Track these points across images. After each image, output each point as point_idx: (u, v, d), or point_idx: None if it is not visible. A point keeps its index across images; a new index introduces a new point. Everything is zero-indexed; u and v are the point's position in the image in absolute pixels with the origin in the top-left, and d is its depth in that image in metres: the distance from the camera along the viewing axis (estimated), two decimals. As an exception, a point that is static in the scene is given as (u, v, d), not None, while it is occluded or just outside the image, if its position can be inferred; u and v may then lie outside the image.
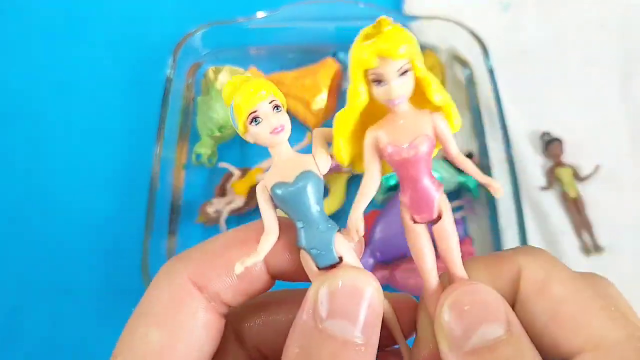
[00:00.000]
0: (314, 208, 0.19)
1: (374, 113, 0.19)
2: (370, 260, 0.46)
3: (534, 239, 0.51)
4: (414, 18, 0.57)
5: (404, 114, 0.19)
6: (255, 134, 0.19)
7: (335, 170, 0.52)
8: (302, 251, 0.20)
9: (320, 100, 0.55)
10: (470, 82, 0.58)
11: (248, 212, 0.51)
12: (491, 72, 0.52)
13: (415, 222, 0.20)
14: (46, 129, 0.58)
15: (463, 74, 0.58)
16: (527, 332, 0.18)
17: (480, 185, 0.51)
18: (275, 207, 0.20)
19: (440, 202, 0.20)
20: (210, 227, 0.51)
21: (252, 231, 0.20)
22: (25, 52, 0.63)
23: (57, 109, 0.59)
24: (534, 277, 0.19)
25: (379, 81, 0.18)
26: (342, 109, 0.19)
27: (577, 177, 0.54)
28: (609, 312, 0.17)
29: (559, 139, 0.54)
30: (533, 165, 0.55)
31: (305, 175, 0.19)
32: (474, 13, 0.64)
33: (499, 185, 0.19)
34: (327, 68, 0.56)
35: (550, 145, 0.54)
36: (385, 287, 0.47)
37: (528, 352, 0.17)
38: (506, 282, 0.19)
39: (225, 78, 0.54)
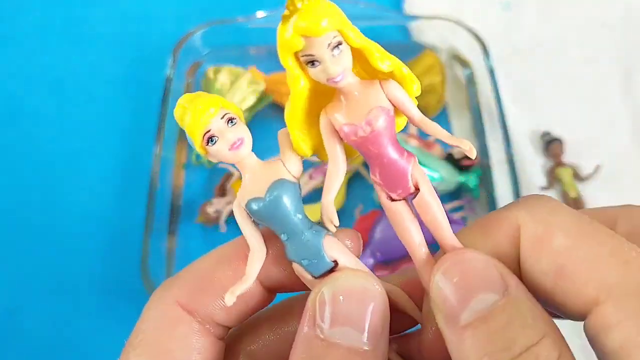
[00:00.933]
0: (295, 217, 0.18)
1: (325, 92, 0.18)
2: (371, 261, 0.46)
3: None
4: (414, 18, 0.57)
5: (352, 89, 0.17)
6: (215, 153, 0.18)
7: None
8: (294, 264, 0.19)
9: (321, 100, 0.54)
10: (471, 81, 0.58)
11: (248, 212, 0.51)
12: (491, 71, 0.52)
13: (392, 200, 0.18)
14: (46, 129, 0.58)
15: (463, 74, 0.58)
16: (536, 293, 0.16)
17: (481, 185, 0.51)
18: (257, 223, 0.19)
19: (414, 174, 0.18)
20: (210, 227, 0.51)
21: (239, 246, 0.19)
22: (24, 52, 0.63)
23: (56, 108, 0.59)
24: (533, 233, 0.17)
25: (312, 62, 0.17)
26: (288, 101, 0.18)
27: (578, 177, 0.54)
28: (621, 254, 0.15)
29: (559, 139, 0.54)
30: (533, 165, 0.55)
31: (277, 184, 0.18)
32: (474, 12, 0.64)
33: (470, 146, 0.17)
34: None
35: (550, 145, 0.54)
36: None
37: (527, 314, 0.16)
38: (507, 244, 0.18)
39: (224, 78, 0.54)
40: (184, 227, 0.51)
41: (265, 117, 0.58)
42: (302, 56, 0.17)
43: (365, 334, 0.17)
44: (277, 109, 0.58)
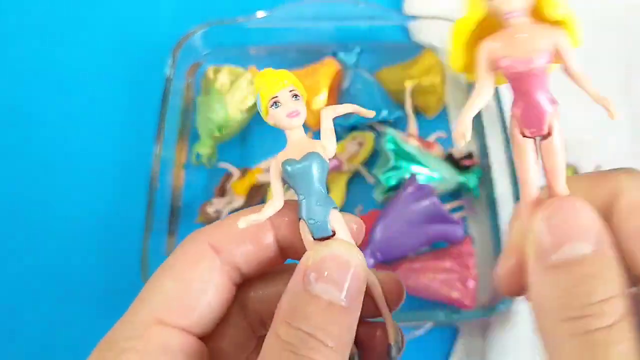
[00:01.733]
0: (316, 185, 0.22)
1: (492, 28, 0.19)
2: (371, 261, 0.46)
3: None
4: (414, 18, 0.57)
5: (522, 28, 0.19)
6: (274, 116, 0.21)
7: (335, 170, 0.52)
8: (301, 222, 0.22)
9: (320, 100, 0.54)
10: (471, 81, 0.58)
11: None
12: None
13: (524, 136, 0.20)
14: (46, 129, 0.58)
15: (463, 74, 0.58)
16: (618, 250, 0.18)
17: (481, 185, 0.51)
18: (284, 183, 0.22)
19: (552, 118, 0.20)
20: (210, 227, 0.51)
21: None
22: (24, 52, 0.63)
23: (56, 108, 0.59)
24: (631, 198, 0.19)
25: None
26: (460, 17, 0.19)
27: None
28: None
29: None
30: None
31: (311, 155, 0.21)
32: None
33: (615, 109, 0.20)
34: (328, 68, 0.56)
35: None
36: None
37: (612, 271, 0.17)
38: (604, 200, 0.20)
39: (224, 78, 0.54)
40: (183, 227, 0.51)
41: (265, 117, 0.58)
42: None
43: (344, 293, 0.20)
44: (277, 108, 0.57)
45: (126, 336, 0.22)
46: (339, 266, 0.21)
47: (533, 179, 0.20)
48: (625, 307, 0.17)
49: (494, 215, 0.50)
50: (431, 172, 0.49)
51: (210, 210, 0.50)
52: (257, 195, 0.52)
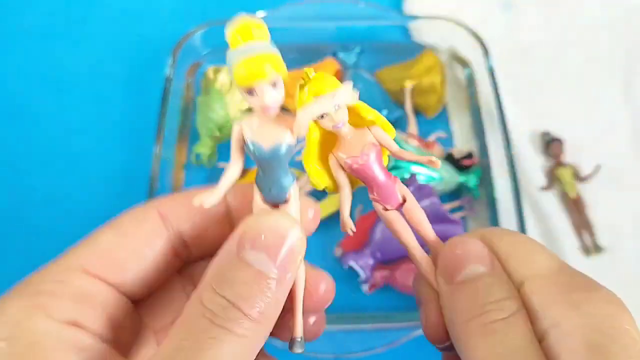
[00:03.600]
0: (282, 168, 0.22)
1: (330, 140, 0.24)
2: (371, 261, 0.46)
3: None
4: (414, 18, 0.57)
5: (349, 133, 0.24)
6: (248, 101, 0.21)
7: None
8: (255, 186, 0.23)
9: (320, 100, 0.54)
10: (471, 81, 0.58)
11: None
12: (491, 72, 0.52)
13: (387, 210, 0.25)
14: (46, 129, 0.58)
15: (463, 74, 0.58)
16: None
17: (481, 185, 0.51)
18: (244, 149, 0.22)
19: (400, 189, 0.25)
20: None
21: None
22: (25, 52, 0.63)
23: (56, 108, 0.59)
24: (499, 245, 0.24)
25: (322, 116, 0.22)
26: (304, 149, 0.24)
27: (578, 177, 0.54)
28: (545, 255, 0.22)
29: (559, 139, 0.54)
30: (534, 165, 0.55)
31: (278, 147, 0.22)
32: (474, 12, 0.64)
33: (437, 161, 0.24)
34: (327, 68, 0.56)
35: (550, 145, 0.54)
36: (386, 287, 0.47)
37: (503, 281, 0.22)
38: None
39: (224, 78, 0.54)
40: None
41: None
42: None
43: (276, 264, 0.20)
44: (277, 108, 0.58)
45: (46, 279, 0.22)
46: (275, 237, 0.20)
47: (409, 237, 0.25)
48: (518, 306, 0.21)
49: (494, 215, 0.50)
50: (431, 172, 0.49)
51: (210, 210, 0.50)
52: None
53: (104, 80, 0.61)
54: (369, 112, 0.24)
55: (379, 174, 0.24)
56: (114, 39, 0.64)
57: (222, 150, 0.55)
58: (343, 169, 0.24)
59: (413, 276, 0.45)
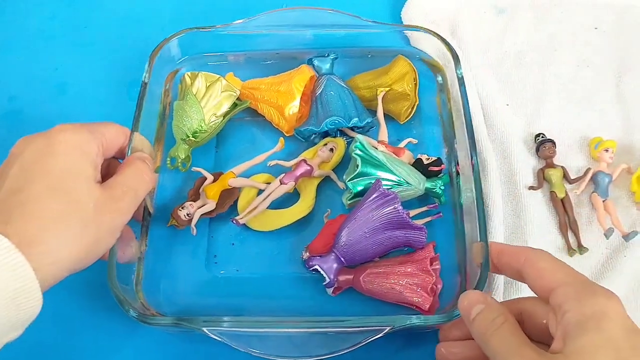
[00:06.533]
0: None
1: None
2: (335, 265, 0.47)
3: (520, 238, 0.51)
4: (387, 25, 0.57)
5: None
6: None
7: (306, 174, 0.53)
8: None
9: (294, 107, 0.55)
10: (442, 89, 0.58)
11: (218, 216, 0.52)
12: (461, 79, 0.53)
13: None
14: (25, 130, 0.59)
15: (435, 81, 0.59)
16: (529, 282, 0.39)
17: (448, 191, 0.52)
18: None
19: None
20: (182, 229, 0.52)
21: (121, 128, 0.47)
22: (5, 56, 0.66)
23: (36, 110, 0.61)
24: (536, 263, 0.40)
25: None
26: None
27: (567, 178, 0.54)
28: (564, 269, 0.38)
29: (551, 141, 0.55)
30: (526, 166, 0.55)
31: None
32: (470, 17, 0.65)
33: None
34: (302, 74, 0.57)
35: (542, 146, 0.55)
36: (351, 290, 0.48)
37: (495, 308, 0.37)
38: (517, 266, 0.40)
39: (200, 83, 0.55)
40: (155, 230, 0.52)
41: (239, 122, 0.59)
42: None
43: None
44: (251, 113, 0.59)
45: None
46: (141, 164, 0.45)
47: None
48: (505, 319, 0.36)
49: (460, 221, 0.50)
50: (398, 178, 0.50)
51: (182, 213, 0.51)
52: (228, 199, 0.53)
53: (86, 84, 0.63)
54: None
55: None
56: (97, 43, 0.66)
57: (198, 155, 0.56)
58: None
59: (377, 281, 0.46)
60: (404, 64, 0.56)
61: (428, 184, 0.51)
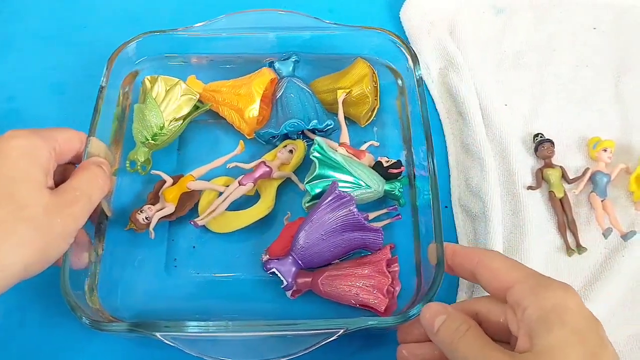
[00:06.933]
0: None
1: None
2: (293, 268, 0.47)
3: (519, 238, 0.51)
4: (346, 28, 0.57)
5: None
6: None
7: (265, 176, 0.53)
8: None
9: (254, 109, 0.55)
10: (402, 92, 0.59)
11: (179, 219, 0.52)
12: (420, 82, 0.53)
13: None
14: None
15: (395, 84, 0.60)
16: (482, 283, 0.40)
17: (407, 193, 0.52)
18: None
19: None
20: (141, 233, 0.51)
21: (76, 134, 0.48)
22: (5, 56, 0.65)
23: (34, 110, 0.61)
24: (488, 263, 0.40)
25: None
26: None
27: (566, 178, 0.55)
28: (517, 267, 0.39)
29: (550, 141, 0.55)
30: (525, 166, 0.56)
31: None
32: (469, 17, 0.65)
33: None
34: (262, 77, 0.57)
35: (540, 146, 0.55)
36: (310, 293, 0.48)
37: (458, 319, 0.38)
38: (471, 267, 0.41)
39: (160, 87, 0.55)
40: (112, 233, 0.51)
41: (202, 124, 0.58)
42: None
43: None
44: (214, 116, 0.58)
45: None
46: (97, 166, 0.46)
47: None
48: (468, 326, 0.37)
49: (418, 223, 0.51)
50: (357, 181, 0.50)
51: (141, 217, 0.51)
52: (188, 202, 0.53)
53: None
54: None
55: None
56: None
57: (159, 158, 0.56)
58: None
59: (334, 283, 0.46)
60: (362, 66, 0.56)
61: (387, 186, 0.51)
